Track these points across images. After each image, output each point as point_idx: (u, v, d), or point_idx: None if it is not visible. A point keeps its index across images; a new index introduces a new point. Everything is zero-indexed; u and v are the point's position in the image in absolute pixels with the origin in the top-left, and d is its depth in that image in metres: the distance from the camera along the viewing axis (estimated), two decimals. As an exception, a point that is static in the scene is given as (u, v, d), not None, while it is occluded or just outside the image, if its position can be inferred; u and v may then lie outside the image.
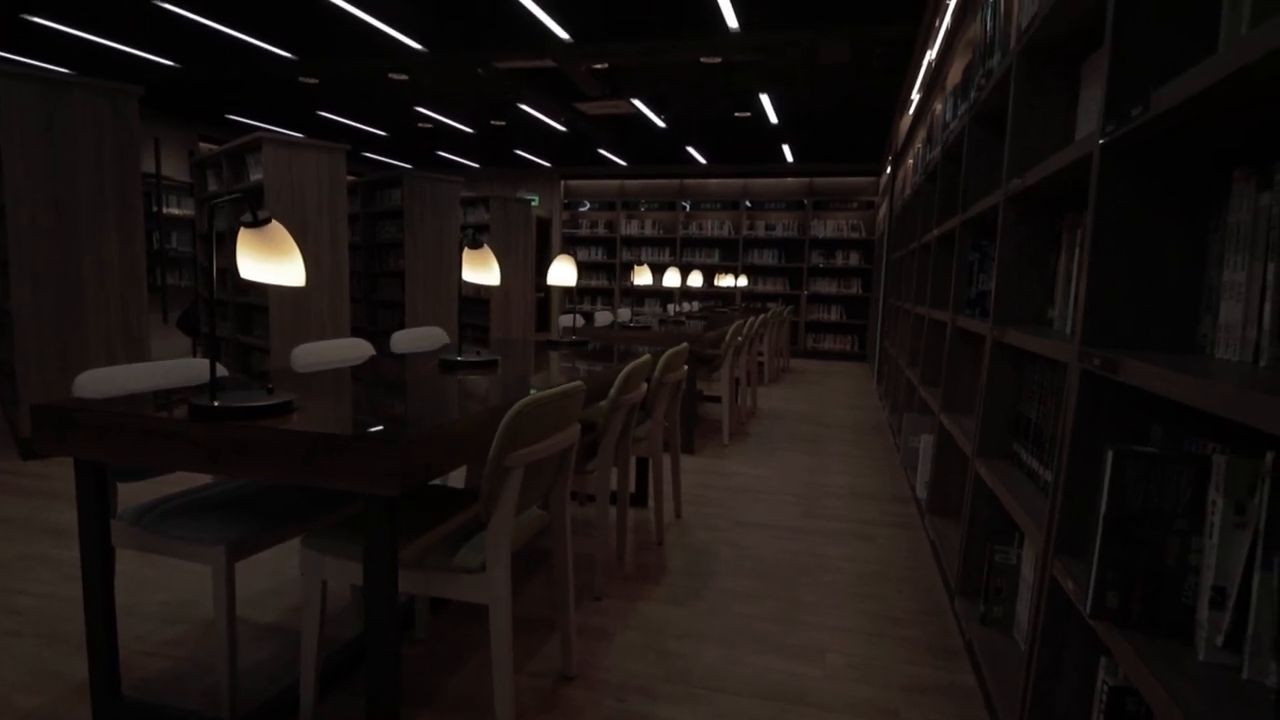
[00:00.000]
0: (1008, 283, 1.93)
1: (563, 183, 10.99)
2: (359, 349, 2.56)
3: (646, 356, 2.35)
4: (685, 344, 2.83)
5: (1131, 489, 0.97)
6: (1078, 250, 1.67)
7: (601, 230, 10.87)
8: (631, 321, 4.41)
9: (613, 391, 2.13)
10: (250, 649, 1.90)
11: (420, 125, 9.25)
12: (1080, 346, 1.23)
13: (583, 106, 7.61)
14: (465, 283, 8.88)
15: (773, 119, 7.50)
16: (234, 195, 1.53)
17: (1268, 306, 0.97)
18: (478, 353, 2.42)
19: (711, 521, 3.01)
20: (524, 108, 7.71)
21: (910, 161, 5.21)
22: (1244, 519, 0.89)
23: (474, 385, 1.91)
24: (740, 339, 4.57)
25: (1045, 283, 1.90)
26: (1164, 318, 1.17)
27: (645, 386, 2.42)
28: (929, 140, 4.13)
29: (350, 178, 9.99)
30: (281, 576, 2.34)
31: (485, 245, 2.34)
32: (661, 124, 8.10)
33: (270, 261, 1.49)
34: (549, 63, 6.09)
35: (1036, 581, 1.34)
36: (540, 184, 11.09)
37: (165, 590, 2.22)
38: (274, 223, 1.50)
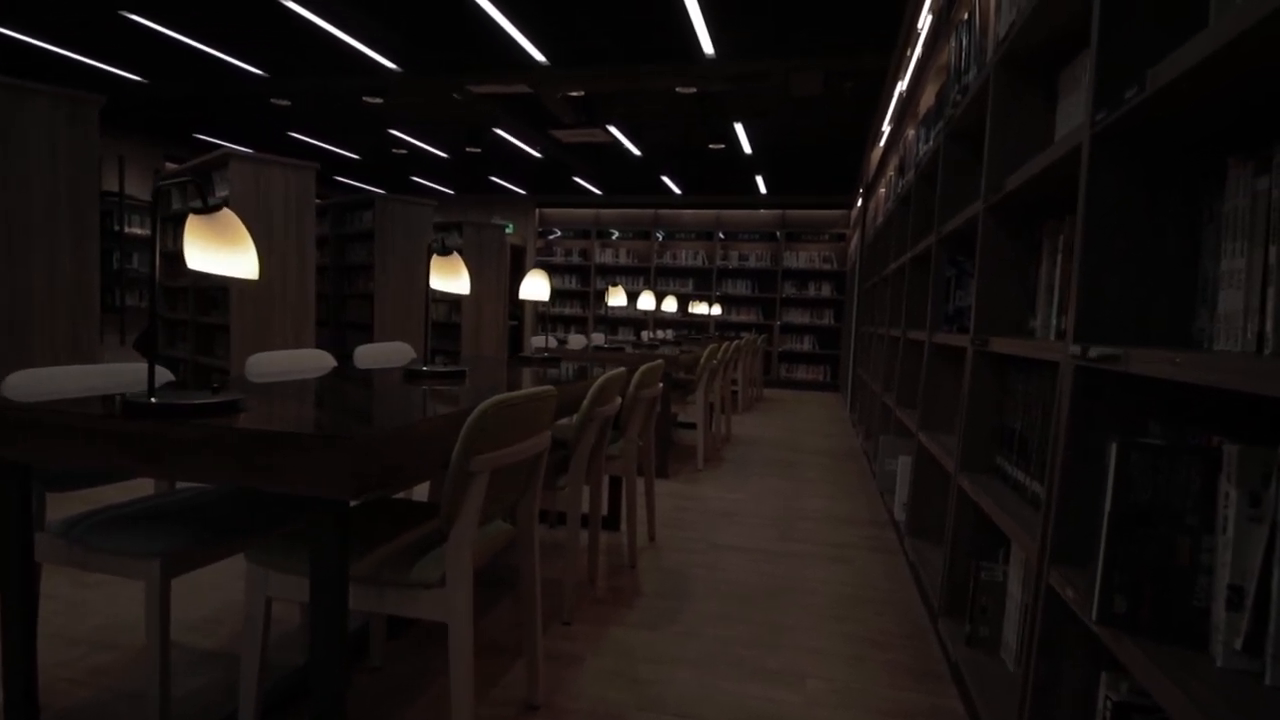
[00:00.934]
0: (989, 293, 1.91)
1: (537, 210, 10.98)
2: (320, 360, 2.45)
3: (621, 370, 2.28)
4: (660, 361, 2.76)
5: (1138, 484, 0.92)
6: (1059, 256, 1.65)
7: (576, 258, 10.85)
8: (605, 343, 4.33)
9: (586, 403, 2.05)
10: (187, 676, 1.75)
11: (395, 150, 9.20)
12: (1074, 344, 1.18)
13: (558, 134, 7.63)
14: (436, 305, 8.76)
15: (746, 149, 7.59)
16: (184, 179, 1.44)
17: (1271, 293, 0.93)
18: (445, 364, 2.32)
19: (686, 544, 2.91)
20: (500, 133, 7.70)
21: (882, 191, 5.27)
22: (1259, 512, 0.83)
23: (441, 393, 1.81)
24: (715, 362, 4.53)
25: (1026, 292, 1.88)
26: (1160, 312, 1.13)
27: (619, 401, 2.34)
28: (901, 168, 4.18)
29: (318, 200, 9.84)
30: (229, 600, 2.19)
31: (455, 254, 2.26)
32: (637, 152, 8.16)
33: (221, 252, 1.39)
34: (524, 88, 6.09)
35: (1030, 594, 1.27)
36: (515, 211, 11.07)
37: (101, 614, 2.05)
38: (226, 210, 1.41)
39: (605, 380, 2.08)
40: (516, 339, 11.34)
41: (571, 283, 10.90)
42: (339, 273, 7.24)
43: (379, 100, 6.92)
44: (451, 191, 11.18)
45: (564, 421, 2.13)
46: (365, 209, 6.70)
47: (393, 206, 6.62)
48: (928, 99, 3.34)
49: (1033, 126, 1.85)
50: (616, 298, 4.18)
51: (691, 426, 5.74)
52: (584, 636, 2.04)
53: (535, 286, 2.92)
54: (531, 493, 1.68)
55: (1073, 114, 1.67)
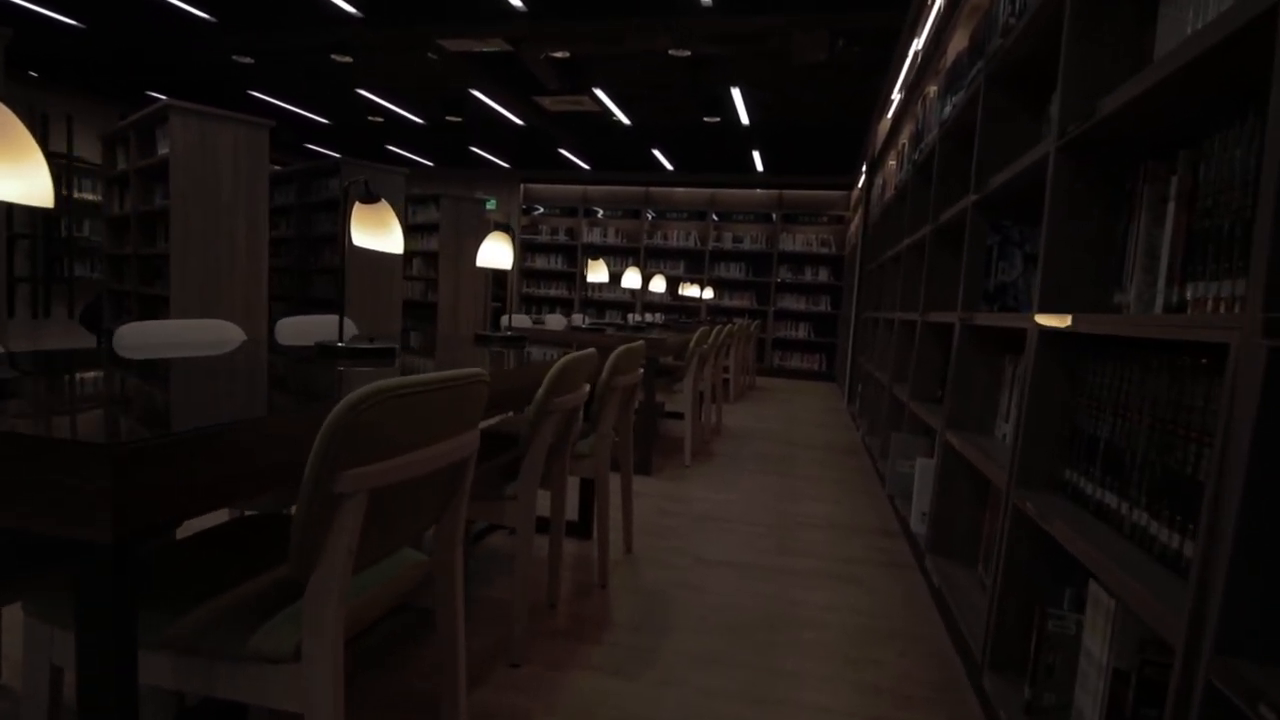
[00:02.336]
0: (1059, 258, 1.48)
1: (522, 186, 10.48)
2: (221, 334, 2.00)
3: (591, 351, 1.84)
4: (641, 343, 2.32)
5: None
6: (1171, 206, 1.22)
7: (562, 237, 10.37)
8: (584, 324, 3.89)
9: (541, 391, 1.61)
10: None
11: (371, 119, 8.68)
12: (1265, 314, 0.75)
13: (543, 101, 7.13)
14: (411, 283, 8.28)
15: (744, 119, 7.12)
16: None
17: None
18: (370, 340, 1.88)
19: (668, 558, 2.49)
20: (480, 97, 7.20)
21: (891, 163, 4.84)
22: None
23: (347, 378, 1.37)
24: (705, 347, 4.10)
25: (1109, 258, 1.45)
26: None
27: (588, 389, 1.91)
28: (917, 134, 3.74)
29: (278, 167, 9.30)
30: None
31: (383, 201, 1.81)
32: (627, 121, 7.67)
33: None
34: (502, 44, 5.60)
35: (1177, 686, 0.85)
36: (498, 186, 10.56)
37: (-85, 653, 1.61)
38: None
39: (567, 364, 1.64)
40: (500, 320, 10.88)
41: (557, 262, 10.42)
42: (304, 245, 6.74)
43: (348, 59, 6.39)
44: (431, 163, 10.65)
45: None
46: (331, 175, 6.20)
47: (359, 173, 6.12)
48: (957, 44, 2.89)
49: (1123, 42, 1.42)
50: (598, 273, 3.74)
51: (679, 417, 5.32)
52: (535, 685, 1.62)
53: (495, 252, 2.48)
54: (453, 513, 1.24)
55: (1180, 25, 1.23)
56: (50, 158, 7.08)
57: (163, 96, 7.98)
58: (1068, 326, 1.36)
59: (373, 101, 7.62)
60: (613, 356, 2.07)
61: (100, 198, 7.41)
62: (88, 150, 7.48)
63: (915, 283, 3.56)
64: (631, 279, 4.27)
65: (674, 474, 3.71)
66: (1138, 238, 1.34)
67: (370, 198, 1.77)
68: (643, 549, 2.57)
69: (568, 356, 1.64)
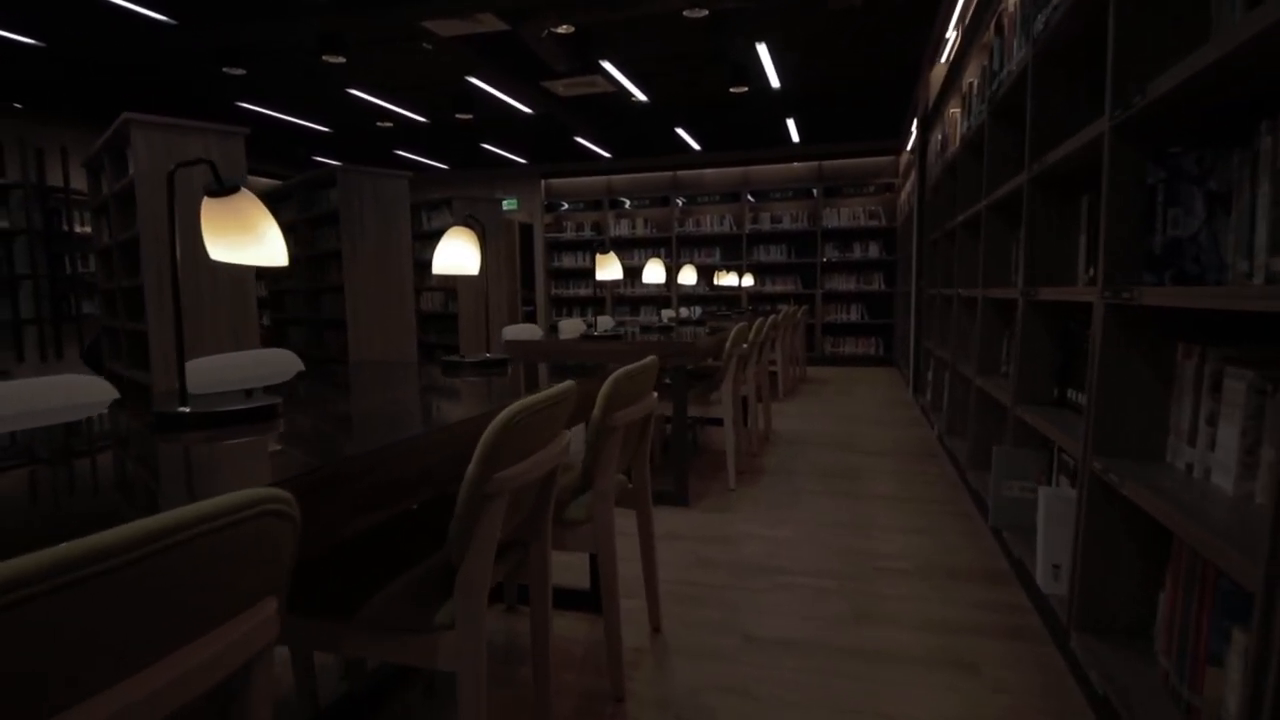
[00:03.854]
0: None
1: (543, 182, 9.94)
2: (71, 395, 1.47)
3: (567, 385, 1.24)
4: (652, 359, 1.71)
5: None
6: None
7: (588, 232, 9.80)
8: (595, 329, 3.29)
9: (472, 468, 1.01)
10: None
11: (380, 124, 8.24)
12: None
13: (552, 86, 6.55)
14: (431, 294, 7.83)
15: (774, 83, 6.39)
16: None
17: None
18: (246, 394, 1.32)
19: (709, 638, 1.88)
20: (485, 88, 6.65)
21: (954, 111, 4.10)
22: None
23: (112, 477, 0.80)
24: (745, 346, 3.45)
25: None
26: None
27: (566, 439, 1.30)
28: (991, 68, 3.02)
29: (279, 181, 8.93)
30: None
31: (244, 191, 1.24)
32: (643, 98, 7.03)
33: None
34: (496, 23, 5.03)
35: None
36: (519, 185, 10.05)
37: None
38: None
39: (509, 423, 1.04)
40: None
41: (585, 260, 9.85)
42: (310, 263, 6.32)
43: (340, 59, 5.92)
44: (446, 166, 10.18)
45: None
46: (329, 186, 5.75)
47: (359, 181, 5.65)
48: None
49: None
50: (609, 269, 3.14)
51: (720, 423, 4.69)
52: None
53: (455, 254, 1.89)
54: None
55: None
56: (50, 192, 6.82)
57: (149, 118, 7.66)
58: None
59: (373, 104, 7.15)
60: (608, 386, 1.47)
61: (91, 229, 7.19)
62: (82, 180, 7.22)
63: (1003, 251, 2.85)
64: (654, 272, 3.65)
65: (716, 502, 3.08)
66: None
67: (225, 188, 1.20)
68: (676, 625, 1.96)
69: (507, 415, 1.03)
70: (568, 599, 2.06)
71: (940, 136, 4.75)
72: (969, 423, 3.09)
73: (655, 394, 1.76)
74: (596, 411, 1.48)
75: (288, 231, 6.75)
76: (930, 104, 5.19)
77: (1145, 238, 1.43)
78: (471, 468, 1.00)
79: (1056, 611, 1.76)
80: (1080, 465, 1.61)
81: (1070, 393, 2.15)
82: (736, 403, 3.47)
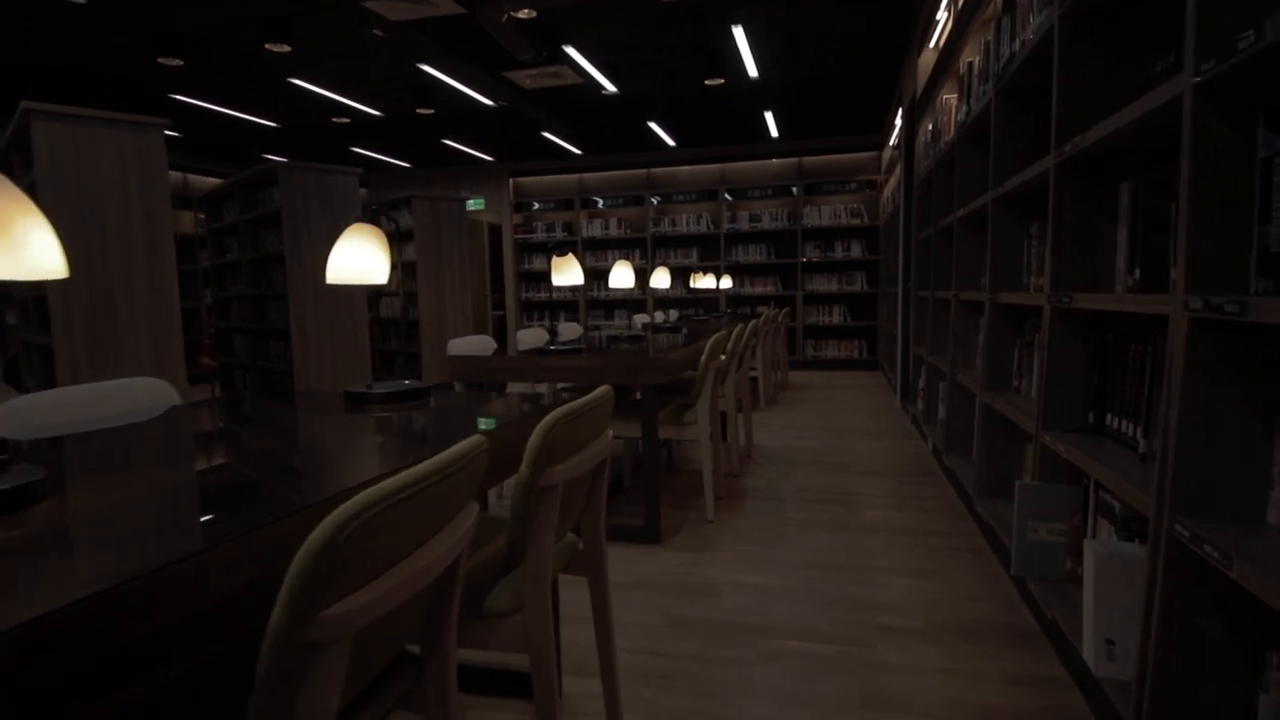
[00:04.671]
0: None
1: (511, 180, 9.51)
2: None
3: (474, 441, 0.85)
4: (603, 391, 1.32)
5: None
6: None
7: (560, 233, 9.38)
8: (552, 344, 2.89)
9: (281, 607, 0.62)
10: None
11: (335, 120, 7.77)
12: None
13: (516, 77, 6.14)
14: (389, 299, 7.37)
15: (752, 72, 6.04)
16: None
17: None
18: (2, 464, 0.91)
19: (680, 741, 1.50)
20: (444, 79, 6.23)
21: (948, 98, 3.76)
22: None
23: None
24: (724, 356, 3.08)
25: None
26: None
27: (470, 518, 0.91)
28: (995, 44, 2.68)
29: (221, 180, 8.41)
30: None
31: (4, 177, 0.83)
32: (613, 89, 6.64)
33: None
34: (452, 6, 4.61)
35: None
36: (486, 184, 9.61)
37: None
38: None
39: (343, 529, 0.64)
40: (503, 331, 9.94)
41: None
42: (253, 267, 5.85)
43: (285, 48, 5.47)
44: (408, 165, 9.71)
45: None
46: (272, 184, 5.29)
47: (303, 178, 5.20)
48: None
49: None
50: (567, 274, 2.75)
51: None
52: None
53: (353, 259, 1.49)
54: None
55: None
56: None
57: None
58: None
59: (324, 97, 6.68)
60: (538, 436, 1.08)
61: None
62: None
63: (1013, 249, 2.51)
64: (621, 276, 3.27)
65: (692, 537, 2.70)
66: None
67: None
68: (639, 716, 1.57)
69: (354, 505, 0.64)
70: (503, 684, 1.66)
71: (931, 127, 4.42)
72: (975, 444, 2.74)
73: (610, 432, 1.38)
74: (524, 469, 1.09)
75: (232, 234, 6.27)
76: (918, 93, 4.87)
77: (1261, 229, 1.07)
78: (278, 612, 0.62)
79: (1114, 703, 1.40)
80: (1155, 527, 1.25)
81: (1110, 418, 1.80)
82: (715, 420, 3.10)
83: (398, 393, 1.58)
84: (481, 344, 3.13)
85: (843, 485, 3.39)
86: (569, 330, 4.18)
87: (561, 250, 2.70)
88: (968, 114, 3.10)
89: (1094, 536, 1.77)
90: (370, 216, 7.40)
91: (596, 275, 9.26)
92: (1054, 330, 1.91)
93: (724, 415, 3.59)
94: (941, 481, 3.43)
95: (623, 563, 2.47)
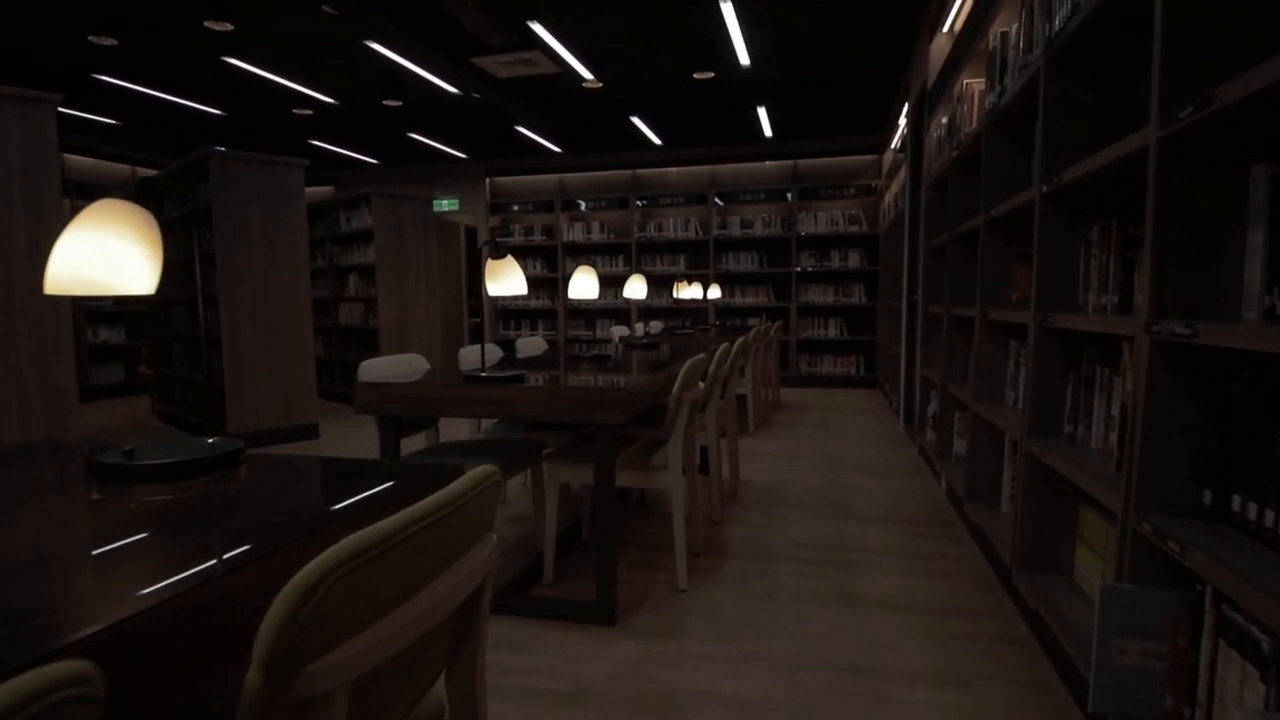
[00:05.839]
0: None
1: (488, 180, 8.95)
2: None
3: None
4: (484, 471, 0.75)
5: None
6: None
7: (539, 237, 8.83)
8: (484, 370, 2.32)
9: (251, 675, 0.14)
10: None
11: (296, 111, 7.21)
12: None
13: (485, 64, 5.60)
14: (350, 305, 6.79)
15: (744, 60, 5.51)
16: None
17: None
18: None
19: None
20: (408, 65, 5.67)
21: (969, 84, 3.23)
22: None
23: None
24: (703, 384, 2.52)
25: None
26: None
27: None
28: (1027, 32, 2.15)
29: (153, 172, 7.83)
30: None
31: None
32: (591, 76, 6.10)
33: None
34: (403, -28, 4.06)
35: None
36: (461, 184, 9.04)
37: None
38: None
39: None
40: (477, 340, 9.35)
41: (536, 267, 8.88)
42: (187, 268, 5.27)
43: (228, 26, 4.91)
44: (375, 161, 9.13)
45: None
46: (204, 177, 4.72)
47: (239, 169, 4.64)
48: None
49: None
50: (503, 281, 2.20)
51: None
52: None
53: (89, 256, 0.93)
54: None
55: None
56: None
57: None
58: None
59: (275, 83, 6.11)
60: (279, 610, 0.51)
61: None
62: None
63: (1067, 261, 1.98)
64: (582, 285, 2.72)
65: (658, 616, 2.14)
66: None
67: None
68: None
69: None
70: None
71: (945, 121, 3.90)
72: (1017, 501, 2.19)
73: (493, 536, 0.82)
74: (253, 672, 0.53)
75: (167, 231, 5.69)
76: (929, 83, 4.35)
77: None
78: None
79: None
80: None
81: (1238, 500, 1.26)
82: (691, 460, 2.54)
83: (179, 465, 1.01)
84: (407, 365, 2.56)
85: (843, 538, 2.84)
86: (530, 346, 3.62)
87: (498, 251, 2.17)
88: (1000, 95, 2.57)
89: (1213, 664, 1.23)
90: (319, 214, 6.84)
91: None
92: (1153, 374, 1.37)
93: (703, 452, 3.04)
94: (961, 534, 2.88)
95: (562, 658, 1.91)
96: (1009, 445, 2.61)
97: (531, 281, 8.93)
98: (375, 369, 2.33)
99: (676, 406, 2.23)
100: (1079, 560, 2.04)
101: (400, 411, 2.16)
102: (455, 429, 3.03)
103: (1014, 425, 2.27)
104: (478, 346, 2.97)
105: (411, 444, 3.55)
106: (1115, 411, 1.81)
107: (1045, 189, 2.00)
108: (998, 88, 2.63)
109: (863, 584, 2.39)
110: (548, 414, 2.03)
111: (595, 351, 3.11)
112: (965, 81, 3.27)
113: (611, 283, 8.37)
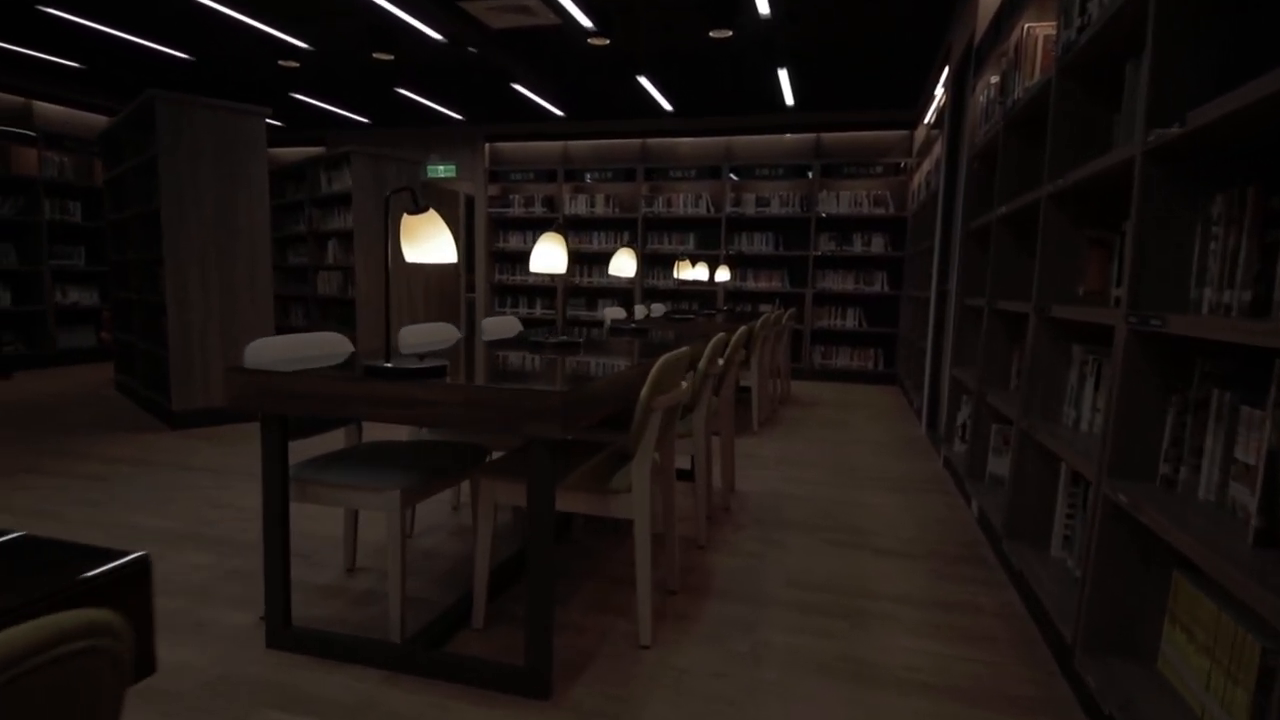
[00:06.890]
0: None
1: (487, 146, 8.40)
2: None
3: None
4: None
5: None
6: None
7: (539, 209, 8.28)
8: (424, 359, 1.80)
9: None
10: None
11: (282, 63, 6.68)
12: None
13: (474, 9, 5.04)
14: (328, 275, 6.31)
15: (764, 10, 4.89)
16: None
17: None
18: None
19: None
20: (400, 15, 5.11)
21: (1033, 29, 2.65)
22: None
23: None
24: (686, 385, 1.99)
25: None
26: None
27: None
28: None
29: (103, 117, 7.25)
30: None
31: None
32: (592, 25, 5.52)
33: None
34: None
35: None
36: (458, 148, 8.50)
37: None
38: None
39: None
40: (472, 318, 8.87)
41: (536, 241, 8.33)
42: (145, 225, 4.79)
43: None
44: (367, 120, 8.58)
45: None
46: (149, 128, 4.22)
47: (191, 116, 4.14)
48: None
49: None
50: (427, 247, 1.68)
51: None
52: None
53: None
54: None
55: None
56: None
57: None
58: None
59: (241, 23, 5.53)
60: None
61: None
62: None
63: (1179, 244, 1.43)
64: (545, 256, 2.20)
65: (606, 689, 1.64)
66: None
67: None
68: None
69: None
70: None
71: (994, 81, 3.32)
72: (1087, 562, 1.66)
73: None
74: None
75: (117, 185, 5.20)
76: (977, 37, 3.75)
77: None
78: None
79: None
80: None
81: None
82: (667, 479, 2.02)
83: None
84: (321, 344, 2.06)
85: (853, 576, 2.33)
86: (498, 326, 3.12)
87: (416, 207, 1.74)
88: (1079, 31, 2.00)
89: None
90: (301, 175, 6.33)
91: (581, 259, 8.21)
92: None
93: (691, 461, 2.53)
94: (999, 578, 2.36)
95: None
96: (1065, 475, 2.08)
97: (528, 256, 8.40)
98: (263, 351, 1.83)
99: (644, 415, 1.71)
100: (1167, 644, 1.53)
101: (286, 410, 1.66)
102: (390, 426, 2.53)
103: (1078, 454, 1.74)
104: (420, 327, 2.46)
105: (329, 443, 2.96)
106: (1244, 457, 1.28)
107: (1150, 142, 1.45)
108: (1077, 20, 2.06)
109: (875, 648, 1.87)
110: (466, 422, 1.52)
111: (565, 337, 2.59)
112: (1026, 26, 2.69)
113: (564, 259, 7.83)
